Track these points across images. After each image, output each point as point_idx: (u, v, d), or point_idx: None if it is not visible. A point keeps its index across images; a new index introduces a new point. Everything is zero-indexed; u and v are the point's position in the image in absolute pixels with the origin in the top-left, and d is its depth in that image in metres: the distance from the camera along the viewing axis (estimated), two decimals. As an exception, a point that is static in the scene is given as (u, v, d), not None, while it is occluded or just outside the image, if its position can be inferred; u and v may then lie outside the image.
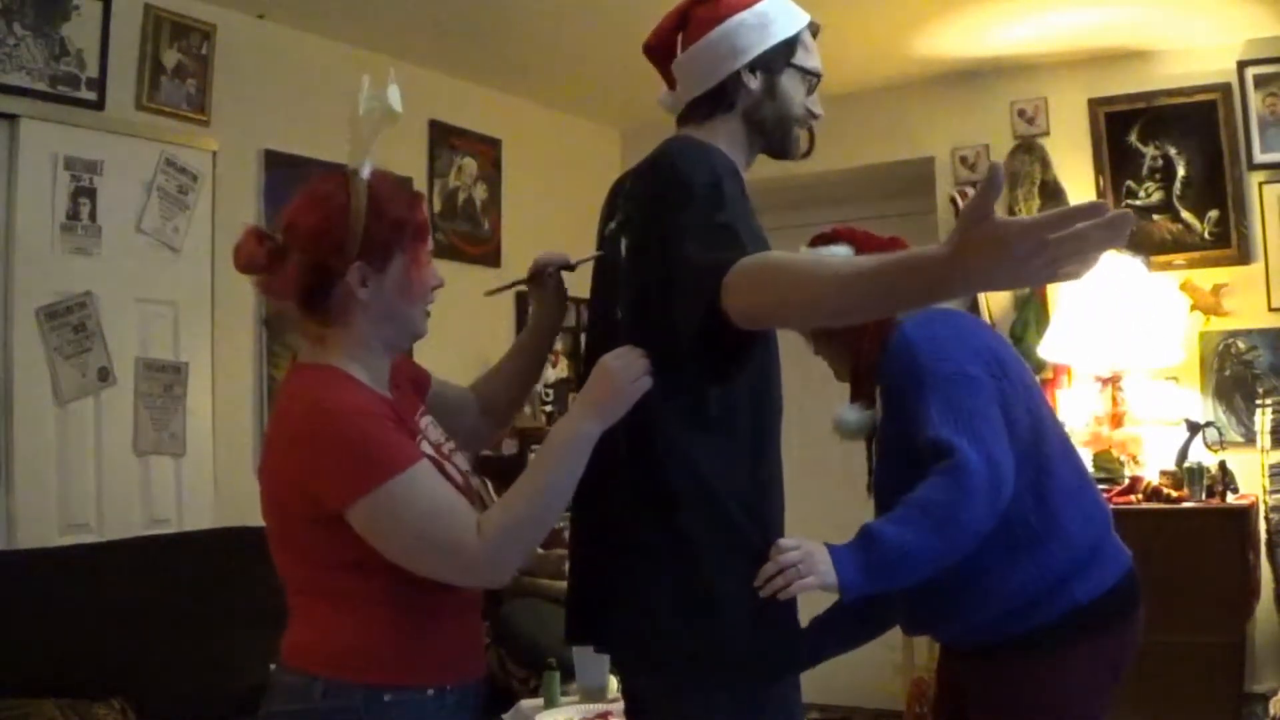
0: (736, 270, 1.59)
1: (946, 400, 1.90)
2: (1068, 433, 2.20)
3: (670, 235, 1.69)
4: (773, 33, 1.85)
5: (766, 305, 1.60)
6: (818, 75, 1.91)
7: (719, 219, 1.66)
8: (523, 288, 2.07)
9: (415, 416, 1.82)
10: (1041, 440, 2.02)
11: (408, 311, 1.75)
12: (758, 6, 1.86)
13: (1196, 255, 4.58)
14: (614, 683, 3.11)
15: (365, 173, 1.71)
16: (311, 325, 1.72)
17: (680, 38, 1.89)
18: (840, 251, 2.02)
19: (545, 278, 2.03)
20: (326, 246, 1.66)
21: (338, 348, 1.71)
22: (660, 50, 1.92)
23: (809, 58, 1.90)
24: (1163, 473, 4.21)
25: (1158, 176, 4.66)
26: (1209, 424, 4.34)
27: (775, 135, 1.90)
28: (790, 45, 1.87)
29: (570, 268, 2.03)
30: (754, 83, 1.85)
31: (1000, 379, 1.98)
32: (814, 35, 1.92)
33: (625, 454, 1.73)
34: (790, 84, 1.87)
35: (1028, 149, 4.84)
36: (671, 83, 1.93)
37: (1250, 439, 4.27)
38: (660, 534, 1.71)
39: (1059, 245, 1.22)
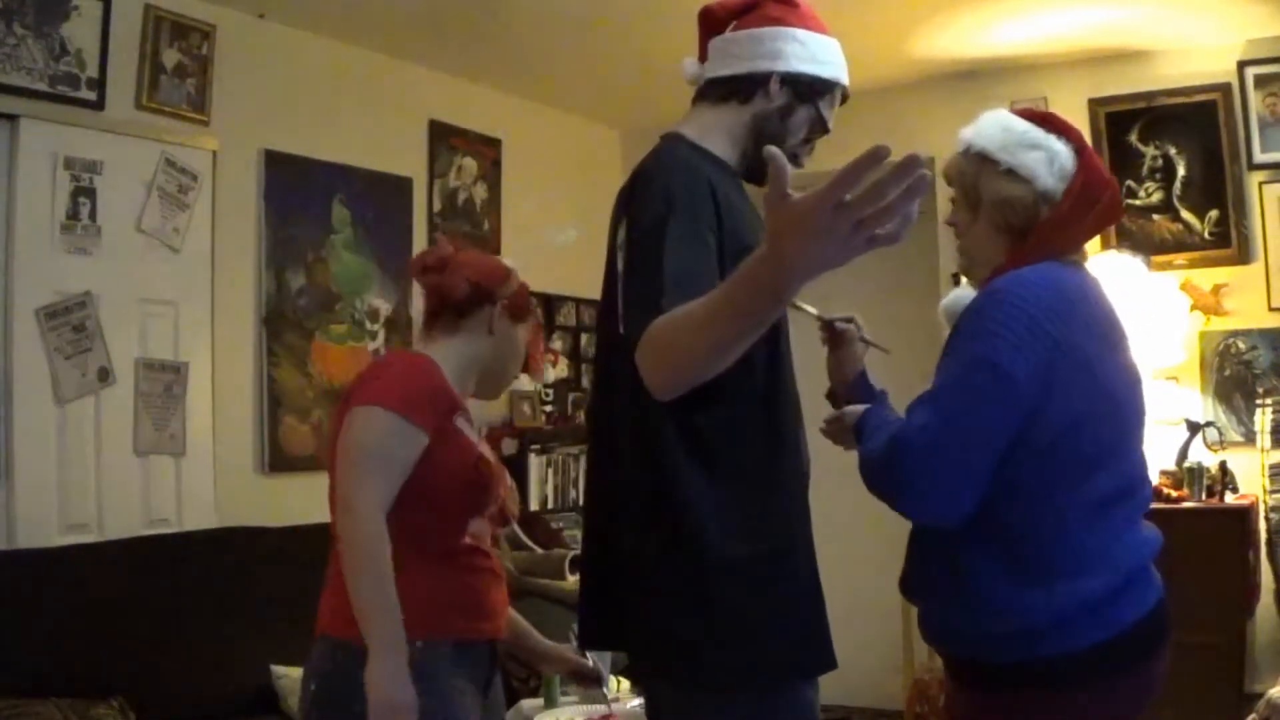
0: (638, 353, 1.58)
1: (955, 380, 1.71)
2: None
3: (622, 270, 1.71)
4: (817, 66, 1.87)
5: (667, 381, 1.57)
6: (825, 130, 1.93)
7: (652, 264, 1.63)
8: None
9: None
10: (1078, 457, 1.74)
11: (510, 368, 2.19)
12: (822, 38, 1.89)
13: (1196, 255, 4.59)
14: (614, 682, 3.11)
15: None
16: (438, 329, 2.11)
17: (737, 21, 1.90)
18: None
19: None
20: (490, 279, 2.13)
21: (446, 353, 2.07)
22: (717, 18, 1.92)
23: (828, 110, 1.92)
24: (1163, 472, 4.21)
25: (1158, 176, 4.67)
26: (1209, 424, 4.34)
27: (760, 155, 1.88)
28: (823, 88, 1.89)
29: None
30: (777, 93, 1.86)
31: (1041, 385, 1.68)
32: (841, 102, 1.95)
33: (631, 468, 1.73)
34: (801, 119, 1.89)
35: (1028, 149, 4.84)
36: (703, 56, 1.93)
37: (1250, 439, 4.27)
38: (669, 547, 1.69)
39: (860, 206, 1.22)
